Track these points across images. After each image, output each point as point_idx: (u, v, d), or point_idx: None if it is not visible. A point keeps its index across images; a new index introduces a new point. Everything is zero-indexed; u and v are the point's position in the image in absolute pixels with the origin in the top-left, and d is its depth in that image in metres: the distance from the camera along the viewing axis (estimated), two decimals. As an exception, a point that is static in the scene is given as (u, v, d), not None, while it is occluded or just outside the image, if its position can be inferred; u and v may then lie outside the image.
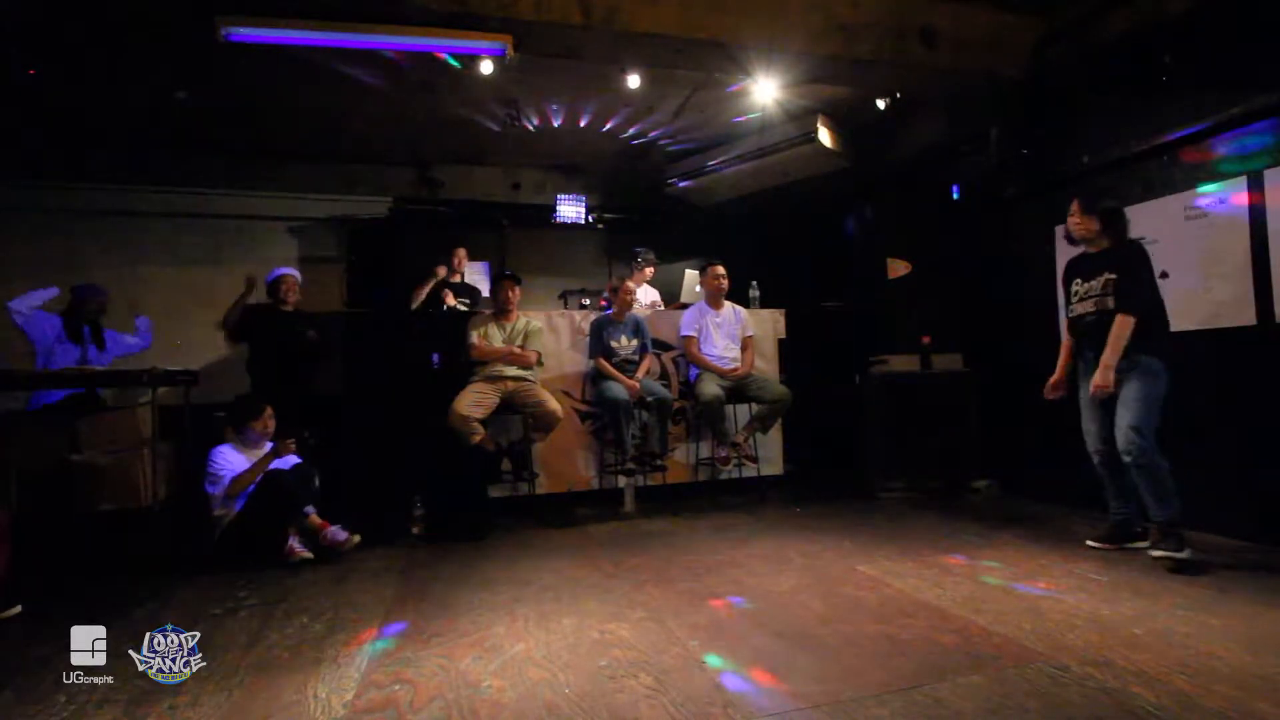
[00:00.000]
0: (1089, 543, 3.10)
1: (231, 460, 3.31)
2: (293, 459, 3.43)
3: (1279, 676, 1.79)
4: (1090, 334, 3.01)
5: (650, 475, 4.35)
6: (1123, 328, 2.84)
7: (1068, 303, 3.16)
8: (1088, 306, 3.02)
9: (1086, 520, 3.49)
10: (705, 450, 4.54)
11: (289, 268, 4.45)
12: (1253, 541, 3.06)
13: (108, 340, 4.22)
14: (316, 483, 3.48)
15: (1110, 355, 2.85)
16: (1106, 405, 2.99)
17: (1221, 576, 2.62)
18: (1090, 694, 1.72)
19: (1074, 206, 3.08)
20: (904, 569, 2.83)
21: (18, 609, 2.58)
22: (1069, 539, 3.21)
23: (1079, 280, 3.09)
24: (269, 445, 3.45)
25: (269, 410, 3.48)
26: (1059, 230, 4.12)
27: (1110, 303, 2.91)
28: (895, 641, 2.09)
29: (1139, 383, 2.82)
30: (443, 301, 4.74)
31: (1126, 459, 2.84)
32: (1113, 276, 2.93)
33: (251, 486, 3.25)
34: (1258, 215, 3.13)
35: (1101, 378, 2.85)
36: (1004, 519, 3.73)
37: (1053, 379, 3.24)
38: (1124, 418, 2.84)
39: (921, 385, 4.67)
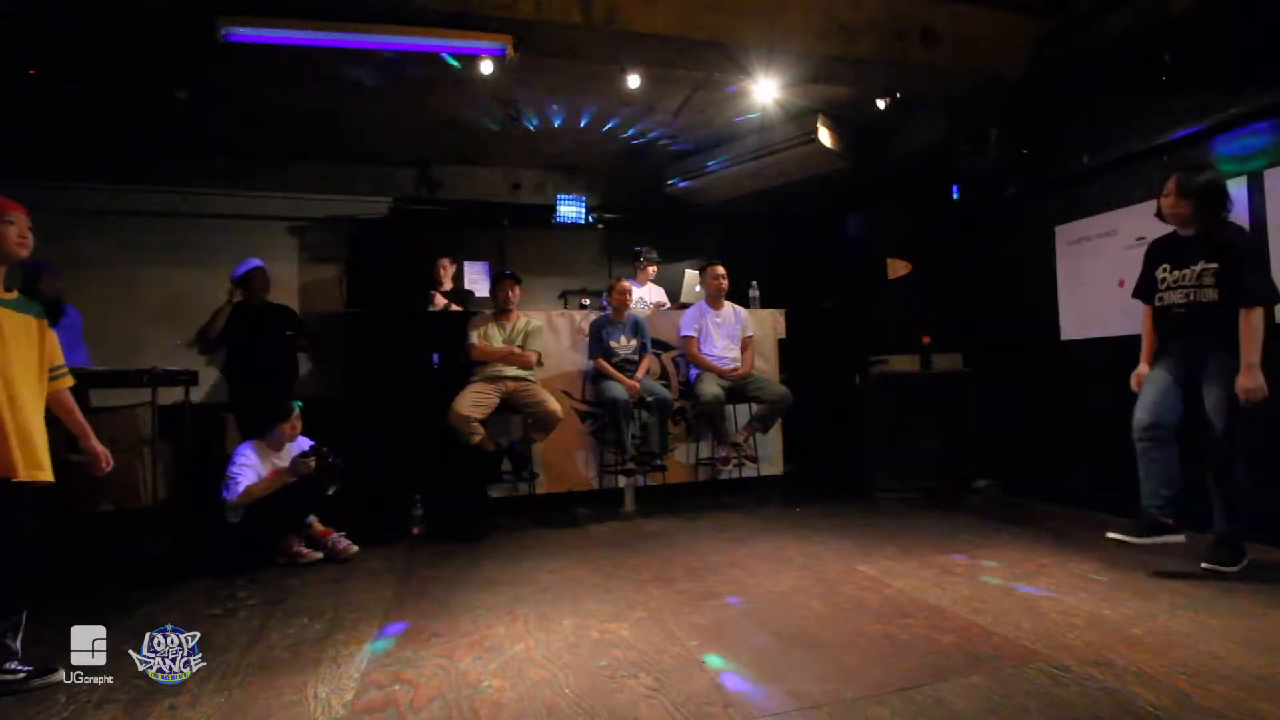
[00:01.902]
0: (1110, 535, 2.81)
1: (251, 462, 3.30)
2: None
3: (1279, 676, 1.79)
4: (1181, 327, 2.76)
5: (650, 475, 4.35)
6: (1253, 324, 2.55)
7: (1152, 288, 2.89)
8: (1177, 297, 2.76)
9: (1086, 520, 3.49)
10: (705, 450, 4.55)
11: (258, 259, 4.40)
12: (1253, 542, 3.05)
13: (68, 314, 4.02)
14: (329, 491, 3.45)
15: (1253, 354, 2.55)
16: (1168, 390, 2.77)
17: (1221, 576, 2.62)
18: (1090, 694, 1.72)
19: (1170, 185, 2.75)
20: (904, 569, 2.83)
21: None
22: (1069, 539, 3.21)
23: (1167, 266, 2.81)
24: (291, 448, 3.44)
25: (296, 413, 3.46)
26: (1059, 230, 4.13)
27: (1210, 294, 2.65)
28: (895, 641, 2.09)
29: (1228, 388, 2.62)
30: (431, 304, 4.78)
31: (1213, 468, 2.68)
32: (1213, 265, 2.65)
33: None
34: (1258, 215, 3.13)
35: (1250, 379, 2.55)
36: (1004, 519, 3.73)
37: (1141, 369, 2.92)
38: (1216, 424, 2.64)
39: (921, 385, 4.67)
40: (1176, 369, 2.82)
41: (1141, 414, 2.83)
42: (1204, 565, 2.68)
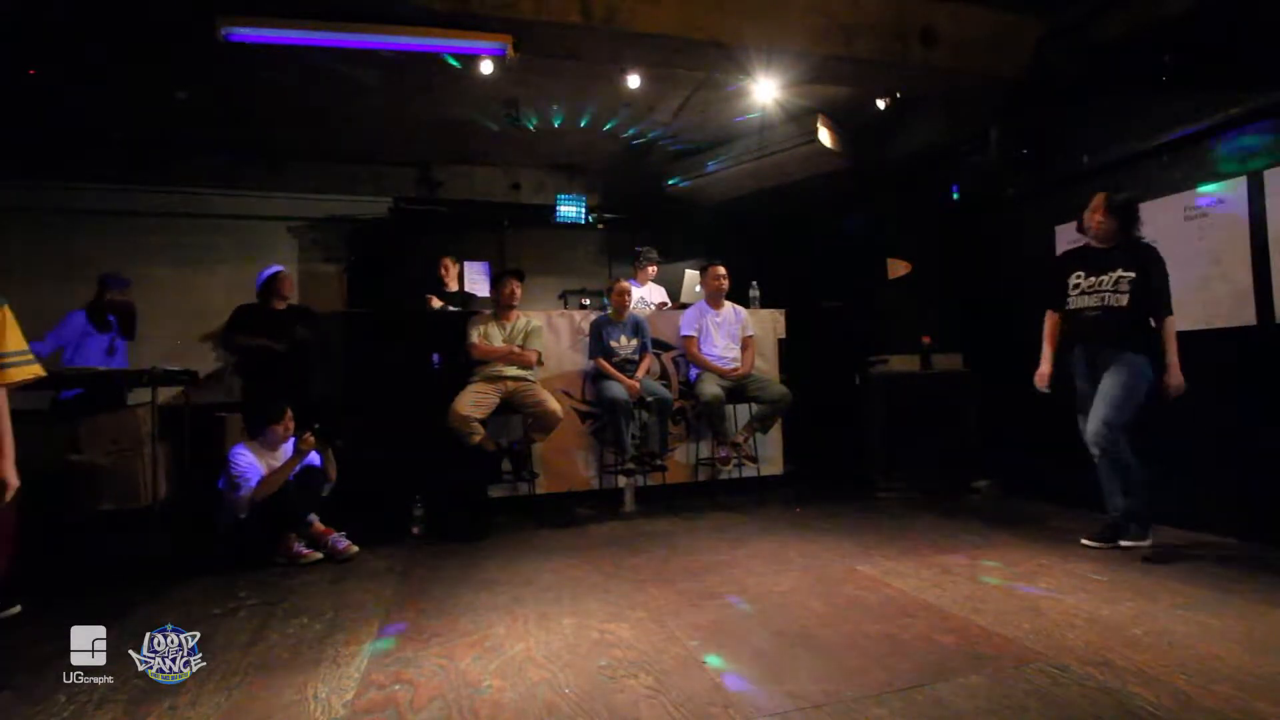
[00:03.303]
0: (1083, 541, 3.11)
1: (253, 462, 3.31)
2: (314, 456, 3.44)
3: (1279, 676, 1.79)
4: (1093, 330, 3.02)
5: (650, 475, 4.35)
6: (1171, 329, 2.91)
7: (1062, 293, 3.15)
8: (1090, 301, 3.03)
9: (1086, 520, 3.48)
10: (705, 450, 4.55)
11: (279, 265, 4.42)
12: (1252, 541, 3.06)
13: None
14: (325, 490, 3.48)
15: (1173, 355, 2.89)
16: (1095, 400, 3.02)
17: (1221, 576, 2.62)
18: (1090, 694, 1.72)
19: (1098, 202, 3.04)
20: (904, 569, 2.83)
21: (17, 609, 2.58)
22: (1069, 539, 3.21)
23: (1081, 273, 3.09)
24: (287, 445, 3.45)
25: (289, 412, 3.47)
26: (1059, 230, 4.13)
27: (1123, 300, 2.93)
28: (895, 641, 2.09)
29: (1122, 378, 2.88)
30: (428, 304, 4.79)
31: (1094, 450, 2.91)
32: (1129, 275, 2.94)
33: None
34: (1258, 215, 3.13)
35: (1177, 377, 2.88)
36: (1004, 519, 3.73)
37: (1044, 369, 3.22)
38: (1098, 410, 2.90)
39: (921, 385, 4.67)
40: (1086, 376, 3.08)
41: (1088, 433, 3.10)
42: (1122, 544, 2.91)
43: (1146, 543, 2.88)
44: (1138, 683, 1.77)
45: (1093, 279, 3.04)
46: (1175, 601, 2.37)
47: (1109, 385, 2.91)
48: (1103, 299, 2.99)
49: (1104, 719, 1.61)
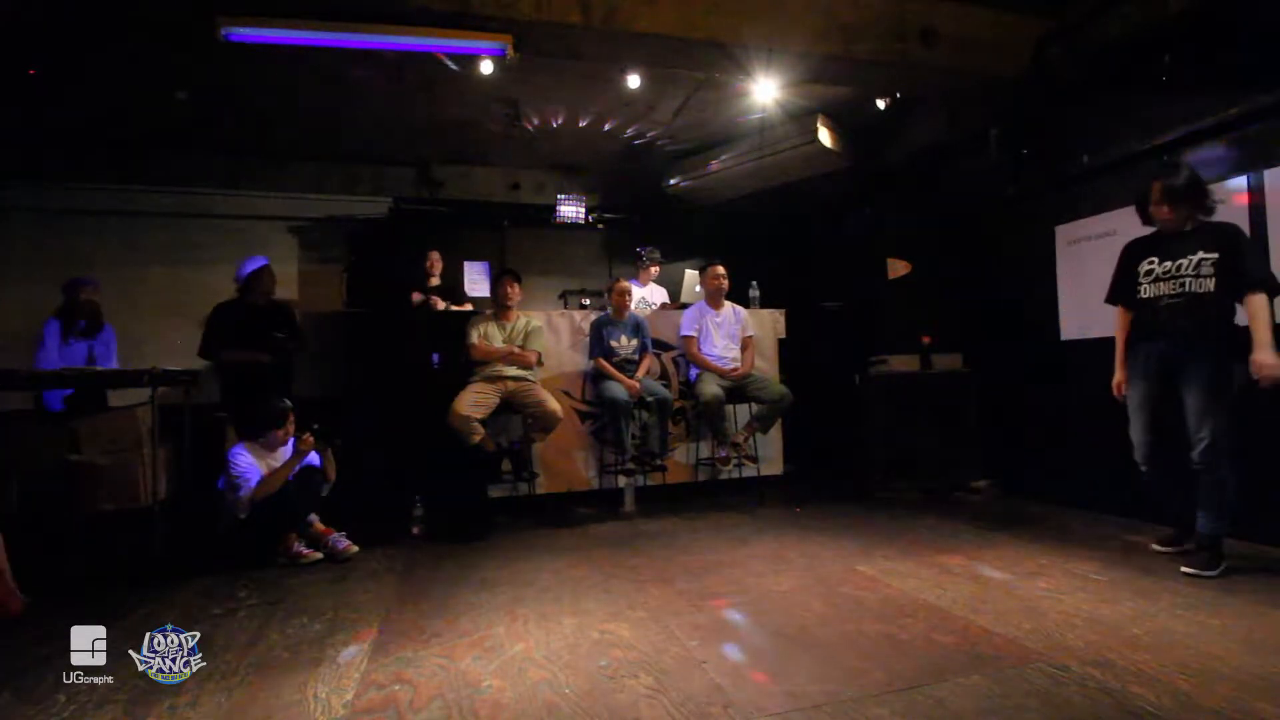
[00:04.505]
0: (1154, 547, 2.98)
1: (252, 462, 3.31)
2: (314, 456, 3.44)
3: (1279, 676, 1.79)
4: (1172, 319, 2.73)
5: (650, 475, 4.35)
6: (1260, 308, 2.56)
7: (1131, 283, 2.89)
8: (1167, 288, 2.74)
9: (1086, 520, 3.49)
10: (705, 450, 4.55)
11: (264, 258, 4.29)
12: (1252, 542, 3.05)
13: (106, 333, 4.18)
14: (325, 490, 3.48)
15: (1263, 333, 2.55)
16: (1161, 408, 2.81)
17: (1221, 576, 2.62)
18: (1090, 694, 1.72)
19: (1157, 194, 2.76)
20: (904, 569, 2.83)
21: None
22: (1069, 539, 3.21)
23: (1154, 259, 2.80)
24: (286, 446, 3.46)
25: (291, 415, 3.47)
26: (1059, 230, 4.13)
27: (1208, 284, 2.65)
28: (895, 641, 2.09)
29: (1216, 387, 2.63)
30: (432, 308, 4.77)
31: (1200, 468, 2.65)
32: (1211, 256, 2.65)
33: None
34: (1258, 215, 3.12)
35: (1267, 356, 2.52)
36: (1004, 519, 3.73)
37: (1119, 377, 2.92)
38: (1205, 422, 2.62)
39: (921, 385, 4.67)
40: (1153, 376, 2.82)
41: (1140, 445, 2.89)
42: (1184, 570, 2.66)
43: (1214, 573, 2.60)
44: (1138, 683, 1.77)
45: (1169, 264, 2.74)
46: (1175, 601, 2.37)
47: (1207, 401, 2.62)
48: (1183, 285, 2.69)
49: (1104, 719, 1.61)
